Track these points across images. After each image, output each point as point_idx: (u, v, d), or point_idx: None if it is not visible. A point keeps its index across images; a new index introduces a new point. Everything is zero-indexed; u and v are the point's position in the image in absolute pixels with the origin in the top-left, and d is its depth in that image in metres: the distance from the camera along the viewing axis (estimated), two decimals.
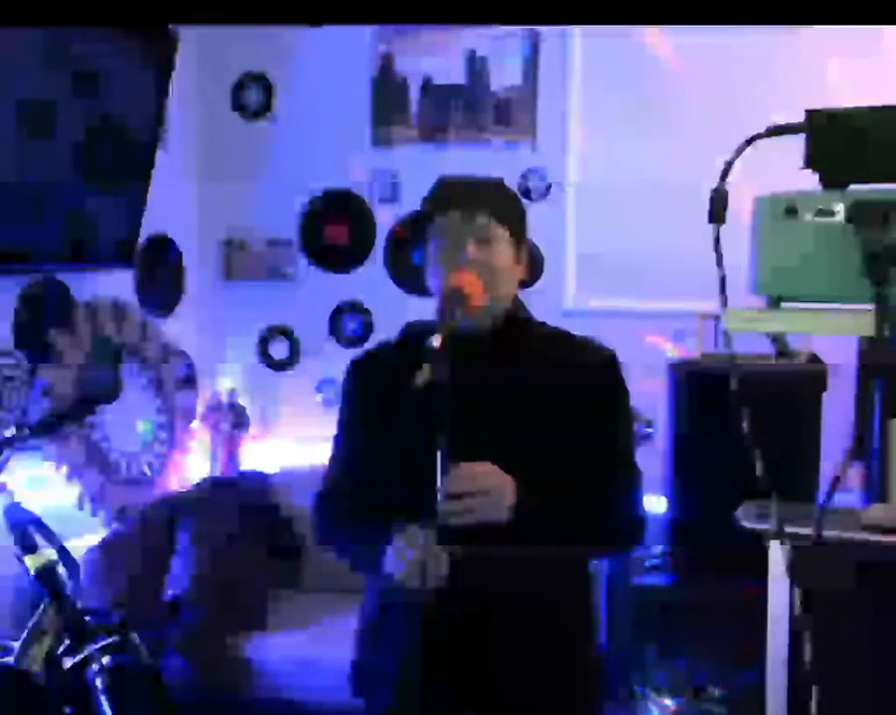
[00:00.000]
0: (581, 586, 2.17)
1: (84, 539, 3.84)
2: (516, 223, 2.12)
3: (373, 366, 2.21)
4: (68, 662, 1.85)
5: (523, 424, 2.04)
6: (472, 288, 1.98)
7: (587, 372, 2.10)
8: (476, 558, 1.91)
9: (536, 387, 2.06)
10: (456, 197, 2.10)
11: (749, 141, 1.43)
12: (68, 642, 1.86)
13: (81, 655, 1.84)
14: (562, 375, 2.08)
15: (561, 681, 2.08)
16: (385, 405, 2.09)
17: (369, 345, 4.50)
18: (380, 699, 2.12)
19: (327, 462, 2.26)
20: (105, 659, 1.85)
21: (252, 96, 4.81)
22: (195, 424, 4.77)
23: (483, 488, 1.91)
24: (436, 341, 1.86)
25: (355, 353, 2.27)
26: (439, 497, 1.85)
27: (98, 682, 1.82)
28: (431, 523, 1.88)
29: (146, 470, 4.44)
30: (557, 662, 2.08)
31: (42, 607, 1.94)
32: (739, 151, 1.42)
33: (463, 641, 1.99)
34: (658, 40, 4.25)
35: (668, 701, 3.43)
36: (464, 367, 1.87)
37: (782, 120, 1.49)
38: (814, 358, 3.50)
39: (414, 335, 2.04)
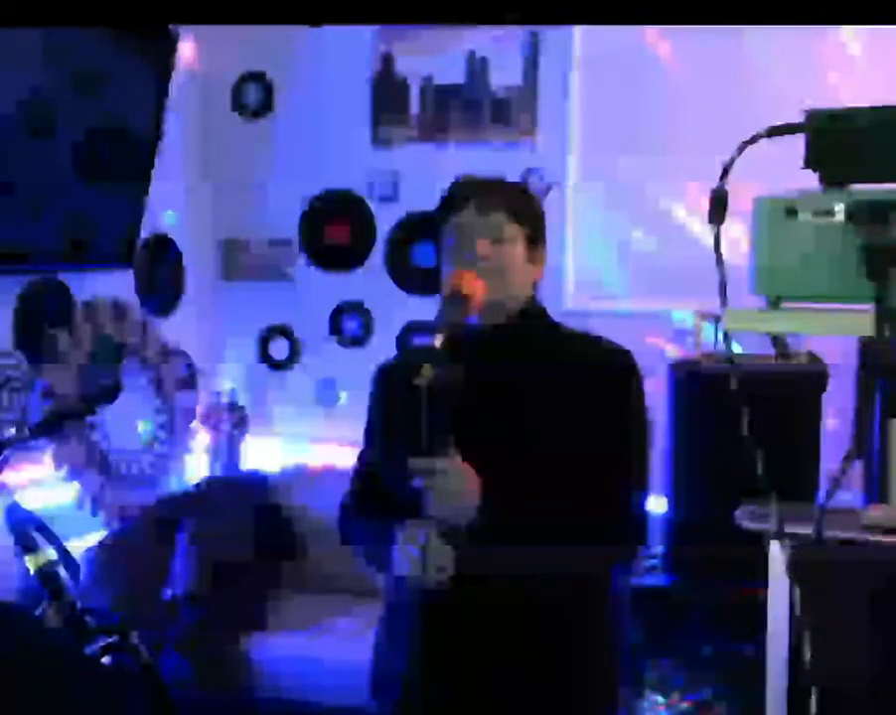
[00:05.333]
0: (591, 586, 2.12)
1: (84, 539, 3.85)
2: (533, 223, 2.10)
3: (393, 371, 2.22)
4: None
5: (524, 424, 2.02)
6: (474, 289, 1.96)
7: (598, 373, 2.05)
8: (481, 553, 1.90)
9: (542, 387, 2.03)
10: (471, 194, 2.07)
11: (749, 141, 1.43)
12: None
13: None
14: (571, 375, 2.04)
15: (569, 682, 2.06)
16: (397, 407, 2.10)
17: (368, 344, 4.60)
18: (389, 700, 2.11)
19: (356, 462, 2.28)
20: (105, 659, 1.85)
21: (252, 96, 4.81)
22: (195, 424, 4.77)
23: (441, 469, 1.88)
24: (437, 340, 1.86)
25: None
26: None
27: None
28: (433, 520, 1.89)
29: (146, 470, 4.44)
30: (565, 663, 2.05)
31: (42, 607, 1.94)
32: (739, 151, 1.42)
33: (469, 638, 1.98)
34: (657, 39, 4.25)
35: (661, 699, 3.43)
36: (466, 367, 1.86)
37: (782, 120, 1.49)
38: (814, 359, 3.50)
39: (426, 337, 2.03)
